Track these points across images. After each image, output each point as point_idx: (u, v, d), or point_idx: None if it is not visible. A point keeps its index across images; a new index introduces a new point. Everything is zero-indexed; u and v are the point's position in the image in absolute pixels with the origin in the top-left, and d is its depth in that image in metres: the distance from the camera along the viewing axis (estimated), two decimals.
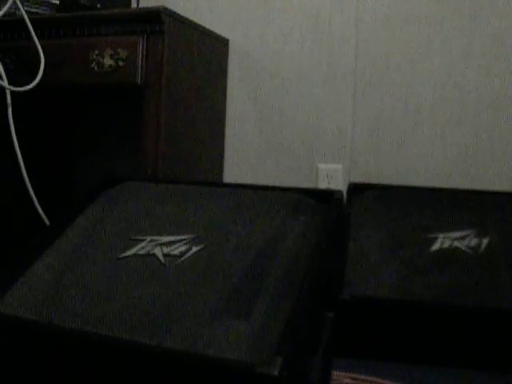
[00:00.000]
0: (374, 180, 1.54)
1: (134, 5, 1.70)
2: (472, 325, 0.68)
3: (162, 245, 0.70)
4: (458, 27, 1.49)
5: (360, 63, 1.57)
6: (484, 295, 0.70)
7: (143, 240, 0.72)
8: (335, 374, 0.67)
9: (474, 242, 0.80)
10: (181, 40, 1.38)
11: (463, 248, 0.79)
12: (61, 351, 0.54)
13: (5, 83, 1.24)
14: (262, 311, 0.57)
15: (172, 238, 0.72)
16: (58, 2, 1.47)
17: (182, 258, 0.67)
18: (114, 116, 1.85)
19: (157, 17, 1.29)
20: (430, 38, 1.51)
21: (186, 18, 1.41)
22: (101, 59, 1.33)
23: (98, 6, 1.46)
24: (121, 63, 1.31)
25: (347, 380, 0.66)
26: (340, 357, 0.69)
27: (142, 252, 0.69)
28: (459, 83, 1.49)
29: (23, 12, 1.30)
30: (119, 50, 1.31)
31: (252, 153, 1.68)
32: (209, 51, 1.55)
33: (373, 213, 0.89)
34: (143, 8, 1.50)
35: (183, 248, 0.69)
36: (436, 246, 0.80)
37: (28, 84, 1.25)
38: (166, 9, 1.31)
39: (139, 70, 1.31)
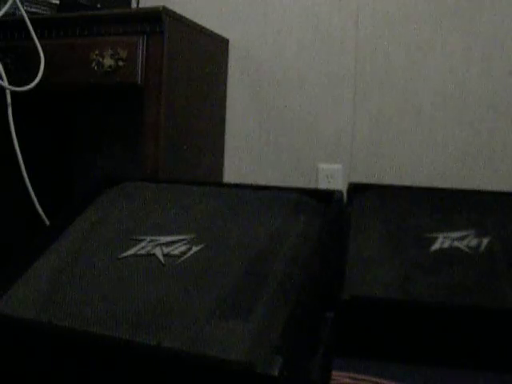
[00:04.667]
0: (374, 180, 1.54)
1: (134, 5, 1.70)
2: (472, 325, 0.68)
3: (162, 245, 0.70)
4: (457, 27, 1.49)
5: (360, 63, 1.57)
6: (484, 295, 0.70)
7: (143, 240, 0.72)
8: (335, 373, 0.67)
9: (473, 242, 0.80)
10: (181, 40, 1.38)
11: (463, 248, 0.79)
12: (61, 351, 0.54)
13: (5, 83, 1.24)
14: (261, 311, 0.57)
15: (172, 238, 0.72)
16: (57, 2, 1.47)
17: (182, 258, 0.67)
18: (113, 116, 1.85)
19: (157, 17, 1.29)
20: (430, 38, 1.51)
21: (186, 18, 1.41)
22: (101, 59, 1.33)
23: (98, 5, 1.46)
24: (121, 63, 1.31)
25: (347, 380, 0.66)
26: (340, 357, 0.69)
27: (142, 252, 0.69)
28: (459, 83, 1.49)
29: (23, 12, 1.30)
30: (119, 50, 1.31)
31: (252, 153, 1.68)
32: (209, 51, 1.55)
33: (373, 213, 0.89)
34: (143, 8, 1.50)
35: (183, 248, 0.69)
36: (436, 246, 0.80)
37: (28, 84, 1.25)
38: (165, 9, 1.31)
39: (139, 70, 1.31)
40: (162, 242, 0.71)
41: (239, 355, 0.50)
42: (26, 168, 1.29)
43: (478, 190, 0.99)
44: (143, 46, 1.31)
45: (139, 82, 1.31)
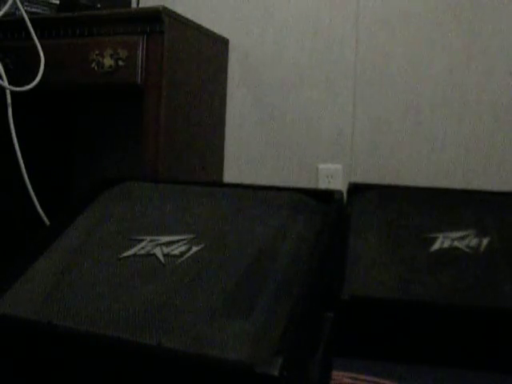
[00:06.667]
0: (374, 180, 1.54)
1: (134, 5, 1.70)
2: (472, 325, 0.68)
3: (162, 245, 0.70)
4: (458, 27, 1.49)
5: (360, 63, 1.57)
6: (484, 295, 0.70)
7: (143, 240, 0.72)
8: (335, 373, 0.67)
9: (474, 242, 0.80)
10: (181, 40, 1.38)
11: (463, 248, 0.79)
12: (60, 351, 0.54)
13: (5, 83, 1.24)
14: (261, 311, 0.57)
15: (172, 238, 0.72)
16: (57, 2, 1.47)
17: (182, 258, 0.67)
18: (113, 116, 1.85)
19: (157, 17, 1.29)
20: (430, 38, 1.51)
21: (186, 18, 1.41)
22: (101, 59, 1.33)
23: (98, 5, 1.46)
24: (121, 63, 1.31)
25: (347, 380, 0.66)
26: (340, 357, 0.69)
27: (142, 252, 0.69)
28: (459, 83, 1.49)
29: (23, 12, 1.30)
30: (119, 50, 1.31)
31: (252, 153, 1.68)
32: (209, 51, 1.55)
33: (373, 213, 0.89)
34: (143, 8, 1.50)
35: (183, 248, 0.69)
36: (436, 246, 0.80)
37: (28, 84, 1.25)
38: (166, 9, 1.31)
39: (139, 70, 1.31)
40: (162, 241, 0.71)
41: (239, 355, 0.50)
42: (26, 168, 1.29)
43: (478, 189, 0.99)
44: (143, 46, 1.31)
45: (139, 82, 1.31)
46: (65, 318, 0.59)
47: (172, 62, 1.34)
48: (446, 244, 0.80)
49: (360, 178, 1.56)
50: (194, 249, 0.69)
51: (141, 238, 0.73)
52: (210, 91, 1.57)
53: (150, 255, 0.68)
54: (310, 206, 0.79)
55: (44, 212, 1.33)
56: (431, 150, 1.52)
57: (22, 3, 1.34)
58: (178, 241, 0.71)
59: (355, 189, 0.95)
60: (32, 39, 1.30)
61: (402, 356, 0.70)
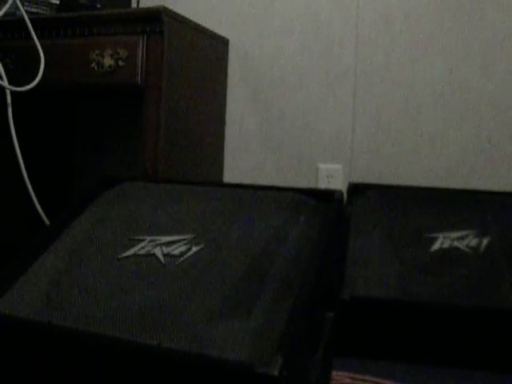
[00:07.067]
0: (374, 180, 1.54)
1: (134, 5, 1.70)
2: (472, 325, 0.68)
3: (162, 245, 0.70)
4: (458, 27, 1.49)
5: (360, 63, 1.57)
6: (484, 295, 0.70)
7: (143, 240, 0.72)
8: (335, 373, 0.67)
9: (474, 242, 0.80)
10: (181, 40, 1.38)
11: (463, 248, 0.79)
12: (60, 351, 0.54)
13: (5, 83, 1.24)
14: (261, 311, 0.57)
15: (172, 238, 0.72)
16: (57, 2, 1.47)
17: (182, 258, 0.67)
18: (113, 116, 1.84)
19: (157, 17, 1.29)
20: (430, 38, 1.51)
21: (186, 18, 1.41)
22: (101, 59, 1.33)
23: (98, 6, 1.46)
24: (121, 63, 1.31)
25: (347, 380, 0.66)
26: (340, 357, 0.69)
27: (142, 252, 0.69)
28: (459, 83, 1.49)
29: (23, 12, 1.30)
30: (119, 50, 1.31)
31: (252, 153, 1.68)
32: (209, 51, 1.55)
33: (373, 213, 0.89)
34: (143, 8, 1.50)
35: (183, 248, 0.69)
36: (436, 246, 0.80)
37: (28, 84, 1.25)
38: (166, 9, 1.31)
39: (139, 70, 1.31)
40: (162, 241, 0.71)
41: (239, 355, 0.50)
42: (26, 168, 1.29)
43: (478, 189, 0.99)
44: (143, 46, 1.31)
45: (139, 82, 1.31)
46: (65, 317, 0.59)
47: (172, 61, 1.34)
48: (446, 244, 0.80)
49: (360, 178, 1.56)
50: (194, 249, 0.69)
51: (141, 238, 0.73)
52: (209, 91, 1.57)
53: (150, 255, 0.68)
54: (310, 206, 0.79)
55: (44, 212, 1.33)
56: (431, 149, 1.52)
57: (22, 3, 1.34)
58: (178, 241, 0.71)
59: (355, 189, 0.96)
60: (32, 39, 1.30)
61: (402, 356, 0.70)
